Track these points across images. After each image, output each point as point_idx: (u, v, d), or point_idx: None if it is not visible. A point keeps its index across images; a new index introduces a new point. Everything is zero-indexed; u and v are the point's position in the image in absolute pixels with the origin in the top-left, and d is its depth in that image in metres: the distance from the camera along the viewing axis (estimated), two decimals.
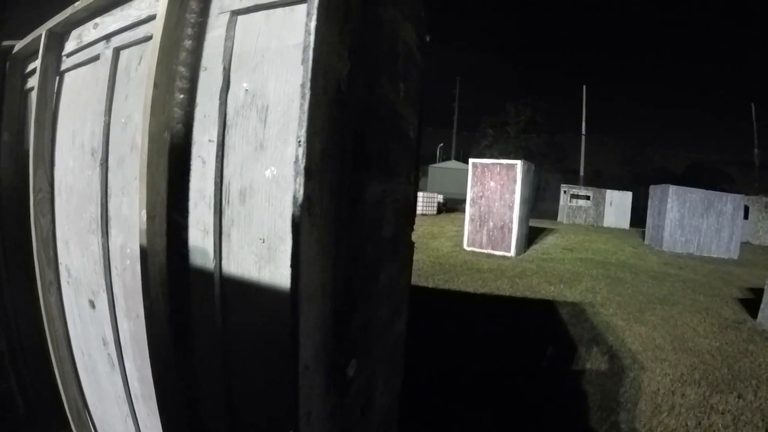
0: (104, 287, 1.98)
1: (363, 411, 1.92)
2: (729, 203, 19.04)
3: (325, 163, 1.35)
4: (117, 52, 1.93)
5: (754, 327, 8.05)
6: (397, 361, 2.42)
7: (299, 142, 1.26)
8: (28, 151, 2.31)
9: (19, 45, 2.54)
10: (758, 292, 9.31)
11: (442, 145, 65.94)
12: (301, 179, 1.25)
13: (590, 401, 4.74)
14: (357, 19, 1.48)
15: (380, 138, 1.81)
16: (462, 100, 59.59)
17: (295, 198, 1.26)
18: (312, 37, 1.28)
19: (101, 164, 1.92)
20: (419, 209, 29.84)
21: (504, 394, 4.77)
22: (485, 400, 4.64)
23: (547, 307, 8.33)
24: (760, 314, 8.36)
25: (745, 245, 22.13)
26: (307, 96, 1.26)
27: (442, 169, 50.09)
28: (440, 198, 33.29)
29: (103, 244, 1.95)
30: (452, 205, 32.22)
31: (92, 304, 2.09)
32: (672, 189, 19.23)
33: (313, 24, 1.29)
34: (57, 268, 2.33)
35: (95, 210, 1.97)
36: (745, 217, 21.68)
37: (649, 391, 5.05)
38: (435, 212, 30.69)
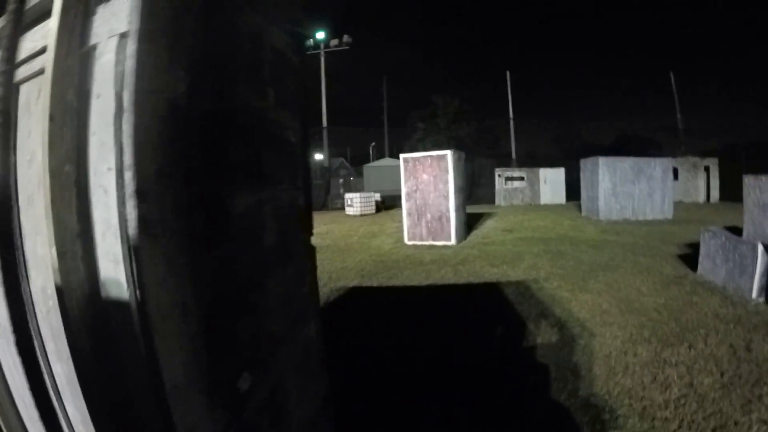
0: (33, 332, 1.92)
1: (272, 424, 1.87)
2: (658, 167, 19.83)
3: (162, 182, 1.32)
4: (17, 87, 1.85)
5: (695, 279, 8.33)
6: (312, 368, 2.35)
7: (126, 166, 1.23)
8: None
9: None
10: (695, 247, 9.65)
11: (374, 144, 66.33)
12: (133, 202, 1.23)
13: (544, 374, 4.76)
14: (196, 35, 1.46)
15: (245, 147, 1.79)
16: (390, 98, 60.05)
17: (130, 222, 1.24)
18: (132, 62, 1.25)
19: (11, 206, 1.84)
20: (358, 210, 29.93)
21: (457, 379, 4.74)
22: (439, 386, 4.61)
23: (492, 290, 8.36)
24: (699, 267, 8.67)
25: (678, 204, 23.11)
26: (131, 120, 1.24)
27: (376, 167, 50.31)
28: (377, 197, 33.43)
29: (24, 289, 1.88)
30: (390, 202, 32.47)
31: None
32: (602, 160, 19.87)
33: (133, 47, 1.26)
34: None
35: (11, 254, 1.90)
36: (675, 178, 22.57)
37: (602, 355, 5.12)
38: (374, 211, 30.84)
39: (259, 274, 1.84)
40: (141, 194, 1.23)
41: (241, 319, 1.66)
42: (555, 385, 4.55)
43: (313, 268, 2.58)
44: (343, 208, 32.97)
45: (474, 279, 9.32)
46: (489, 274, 9.68)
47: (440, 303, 7.76)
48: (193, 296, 1.42)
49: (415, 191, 15.02)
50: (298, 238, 2.30)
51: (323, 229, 21.97)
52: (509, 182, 33.15)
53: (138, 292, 1.25)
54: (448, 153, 14.48)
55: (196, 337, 1.42)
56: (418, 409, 4.22)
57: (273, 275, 1.96)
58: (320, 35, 44.44)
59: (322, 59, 44.14)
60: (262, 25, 1.95)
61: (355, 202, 30.80)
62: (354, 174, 61.56)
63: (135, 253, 1.23)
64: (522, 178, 33.19)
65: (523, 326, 6.21)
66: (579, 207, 23.66)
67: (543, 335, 5.84)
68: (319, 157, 52.11)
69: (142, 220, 1.23)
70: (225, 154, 1.63)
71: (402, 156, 15.44)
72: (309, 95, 2.54)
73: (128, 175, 1.22)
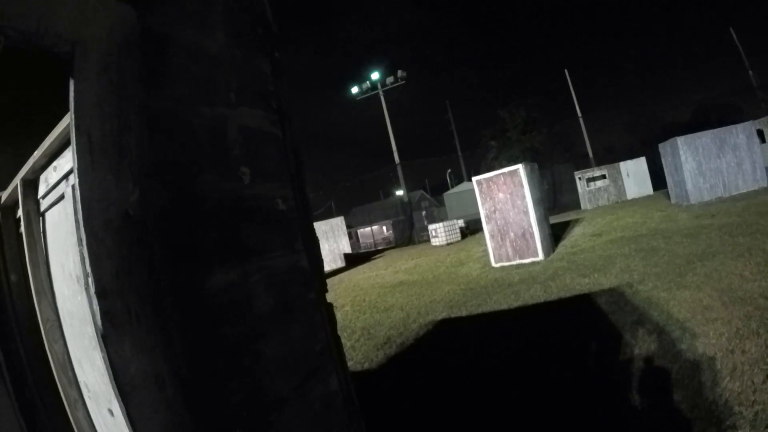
0: (115, 395, 2.05)
1: None
2: (741, 134, 18.56)
3: (122, 281, 1.45)
4: (74, 189, 2.00)
5: None
6: (336, 422, 2.37)
7: (88, 273, 1.40)
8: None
9: (3, 195, 2.66)
10: None
11: (450, 171, 66.19)
12: (95, 301, 1.39)
13: (642, 389, 4.49)
14: (141, 148, 1.57)
15: (217, 229, 1.86)
16: (458, 122, 60.07)
17: (95, 317, 1.40)
18: (80, 192, 1.42)
19: (86, 289, 2.00)
20: (444, 239, 29.88)
21: (555, 405, 4.55)
22: (533, 411, 4.50)
23: (584, 302, 8.04)
24: None
25: None
26: (85, 236, 1.40)
27: (456, 194, 50.13)
28: (461, 223, 33.32)
29: (104, 358, 2.02)
30: (475, 227, 32.07)
31: (111, 413, 2.16)
32: (680, 141, 18.81)
33: (78, 180, 1.42)
34: (78, 386, 2.40)
35: (91, 329, 2.04)
36: (763, 140, 21.19)
37: (706, 358, 4.74)
38: (459, 238, 30.73)
39: (250, 340, 1.90)
40: (101, 294, 1.39)
41: (230, 383, 1.75)
42: (654, 400, 4.28)
43: (331, 323, 2.59)
44: (429, 240, 32.93)
45: (565, 293, 9.01)
46: (580, 285, 9.33)
47: (531, 324, 7.54)
48: (168, 369, 1.53)
49: (494, 212, 14.84)
50: (304, 299, 2.31)
51: (411, 264, 21.99)
52: (591, 183, 32.06)
53: (109, 368, 1.42)
54: (520, 167, 14.21)
55: (174, 403, 1.53)
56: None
57: (269, 339, 2.00)
58: (375, 76, 45.08)
59: (382, 98, 44.64)
60: (224, 113, 1.99)
61: (440, 232, 30.75)
62: (435, 204, 61.60)
63: (102, 340, 1.40)
64: (603, 177, 32.02)
65: (619, 338, 5.88)
66: (668, 195, 22.53)
67: (640, 344, 5.50)
68: (399, 193, 52.47)
69: (104, 314, 1.39)
70: (193, 239, 1.72)
71: (474, 179, 15.31)
72: (301, 158, 2.52)
73: (90, 280, 1.39)
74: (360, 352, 8.50)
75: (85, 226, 1.41)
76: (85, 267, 1.42)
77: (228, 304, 1.82)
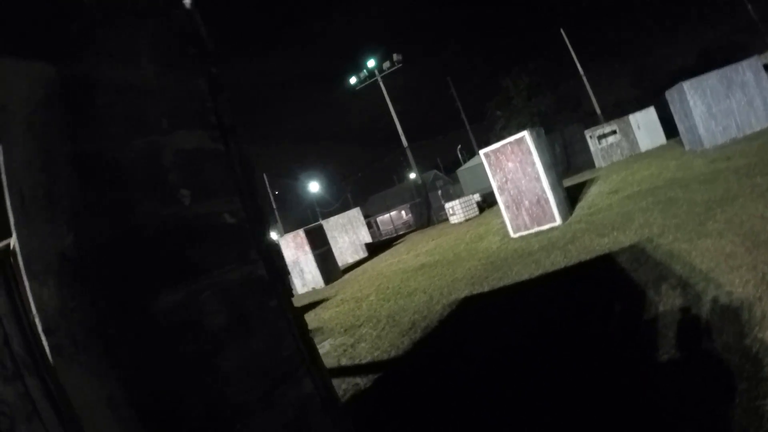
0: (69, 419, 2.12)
1: None
2: (747, 71, 17.77)
3: (66, 317, 1.54)
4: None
5: None
6: (314, 424, 2.35)
7: (35, 312, 1.49)
8: None
9: None
10: None
11: (460, 146, 65.87)
12: (43, 336, 1.48)
13: (668, 347, 4.35)
14: (74, 199, 1.67)
15: (159, 253, 1.90)
16: (463, 97, 59.65)
17: (46, 349, 1.49)
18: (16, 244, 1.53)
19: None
20: (462, 216, 29.78)
21: (582, 373, 4.45)
22: (561, 379, 4.43)
23: (604, 263, 7.90)
24: None
25: None
26: (29, 280, 1.51)
27: (469, 169, 49.93)
28: (477, 197, 33.14)
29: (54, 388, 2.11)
30: (492, 200, 31.95)
31: None
32: (686, 85, 18.19)
33: (16, 239, 1.52)
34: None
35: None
36: None
37: (733, 309, 4.55)
38: (477, 213, 30.61)
39: (205, 355, 1.94)
40: (47, 331, 1.48)
41: (188, 399, 1.81)
42: (681, 357, 4.16)
43: (301, 327, 2.55)
44: (448, 219, 32.79)
45: (585, 256, 8.85)
46: (600, 246, 9.15)
47: (553, 292, 7.44)
48: (121, 390, 1.62)
49: (506, 182, 14.64)
50: (265, 308, 2.31)
51: (431, 245, 21.94)
52: (602, 140, 31.46)
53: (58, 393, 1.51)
54: (525, 134, 13.98)
55: (129, 422, 1.61)
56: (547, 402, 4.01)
57: (227, 352, 2.03)
58: (371, 63, 44.67)
59: (381, 84, 44.27)
60: (157, 141, 2.02)
61: (457, 209, 30.61)
62: (450, 181, 61.40)
63: (53, 370, 1.49)
64: (614, 132, 31.33)
65: (642, 296, 5.74)
66: (681, 142, 21.99)
67: (665, 301, 5.35)
68: (412, 176, 52.34)
69: (52, 348, 1.49)
70: (134, 268, 1.80)
71: (481, 152, 15.12)
72: (250, 168, 2.54)
73: (36, 319, 1.49)
74: (386, 340, 8.50)
75: (26, 273, 1.49)
76: (31, 309, 1.50)
77: (178, 324, 1.88)
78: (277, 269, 2.46)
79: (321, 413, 2.39)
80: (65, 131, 1.68)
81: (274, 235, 45.04)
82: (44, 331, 1.47)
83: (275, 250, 2.59)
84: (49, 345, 1.48)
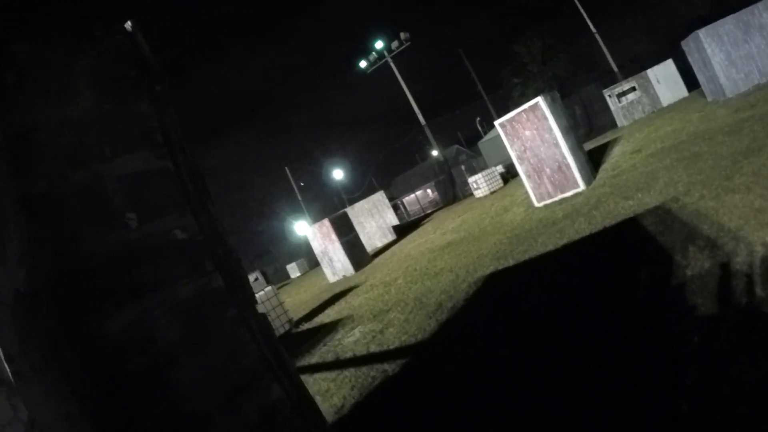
0: None
1: None
2: (763, 12, 16.80)
3: (25, 344, 1.62)
4: None
5: None
6: (281, 428, 2.37)
7: None
8: None
9: None
10: None
11: (479, 119, 65.22)
12: (4, 363, 1.50)
13: (698, 314, 4.18)
14: (20, 232, 1.76)
15: (107, 278, 1.95)
16: (476, 67, 58.94)
17: (6, 374, 1.51)
18: None
19: None
20: (486, 189, 29.60)
21: (610, 345, 4.32)
22: (597, 355, 4.30)
23: (630, 227, 7.69)
24: None
25: None
26: None
27: (490, 140, 49.33)
28: (500, 168, 32.87)
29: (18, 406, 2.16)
30: (516, 170, 31.71)
31: None
32: (701, 33, 17.45)
33: None
34: None
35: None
36: None
37: (764, 269, 4.34)
38: (501, 184, 30.43)
39: (159, 369, 1.99)
40: (8, 358, 1.53)
41: (143, 411, 1.88)
42: (712, 323, 3.97)
43: (266, 333, 2.54)
44: (473, 194, 32.59)
45: (609, 221, 8.63)
46: (624, 209, 8.91)
47: (578, 262, 7.30)
48: (78, 407, 1.71)
49: (524, 151, 14.39)
50: (222, 318, 2.32)
51: (457, 222, 21.88)
52: (622, 98, 30.62)
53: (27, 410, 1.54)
54: (539, 99, 13.66)
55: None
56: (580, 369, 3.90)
57: (182, 365, 2.06)
58: (379, 45, 44.25)
59: (393, 65, 43.89)
60: (99, 170, 2.05)
61: (481, 183, 30.42)
62: (473, 155, 60.97)
63: (16, 392, 1.52)
64: (633, 89, 30.46)
65: (669, 260, 5.53)
66: (703, 93, 21.39)
67: (693, 264, 5.13)
68: (434, 153, 52.11)
69: (14, 373, 1.52)
70: (83, 294, 1.86)
71: (497, 123, 14.89)
72: (201, 180, 2.50)
73: None
74: (414, 324, 8.46)
75: None
76: None
77: (130, 341, 1.93)
78: (237, 279, 2.47)
79: (292, 418, 2.41)
80: (9, 177, 1.77)
81: (303, 226, 45.22)
82: (6, 359, 1.53)
83: (234, 259, 2.55)
84: (11, 371, 1.54)
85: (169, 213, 2.24)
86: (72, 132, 2.00)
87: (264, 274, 49.25)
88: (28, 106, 1.90)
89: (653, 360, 3.88)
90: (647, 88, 30.10)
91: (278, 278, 57.50)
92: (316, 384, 7.78)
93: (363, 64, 46.11)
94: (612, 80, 37.99)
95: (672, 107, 26.39)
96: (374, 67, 45.57)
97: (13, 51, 1.91)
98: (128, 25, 2.34)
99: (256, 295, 14.70)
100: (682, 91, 29.48)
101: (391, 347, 7.79)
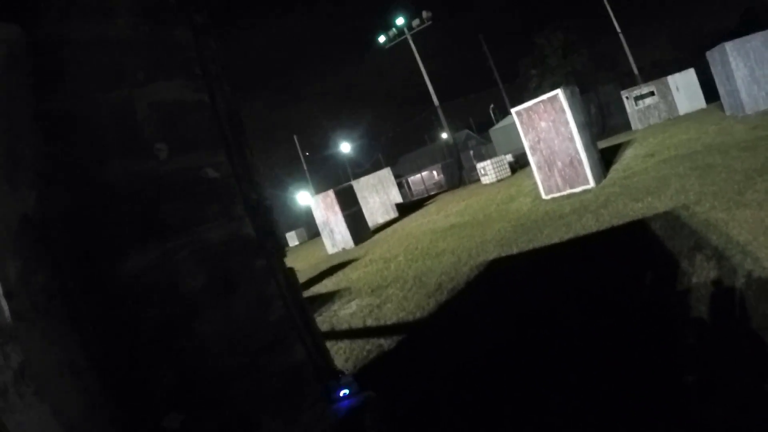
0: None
1: None
2: None
3: (26, 281, 1.53)
4: None
5: None
6: (307, 395, 2.27)
7: None
8: None
9: None
10: None
11: (492, 106, 64.83)
12: (3, 300, 1.45)
13: (700, 321, 4.23)
14: (38, 153, 1.64)
15: (130, 211, 1.84)
16: (494, 54, 58.45)
17: (3, 315, 1.46)
18: None
19: None
20: (493, 177, 29.52)
21: (610, 345, 4.35)
22: (595, 352, 4.35)
23: (637, 229, 7.69)
24: None
25: None
26: None
27: (501, 128, 49.05)
28: (509, 158, 32.74)
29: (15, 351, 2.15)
30: (525, 160, 31.52)
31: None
32: (728, 47, 17.09)
33: None
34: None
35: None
36: None
37: None
38: (509, 173, 30.26)
39: (180, 320, 1.87)
40: (8, 294, 1.46)
41: (158, 366, 1.77)
42: (712, 332, 4.04)
43: (292, 289, 2.44)
44: (479, 180, 32.50)
45: (617, 221, 8.64)
46: (633, 211, 8.92)
47: (583, 258, 7.32)
48: (84, 357, 1.61)
49: (538, 142, 14.36)
50: (250, 269, 2.19)
51: (461, 206, 21.84)
52: (639, 101, 30.34)
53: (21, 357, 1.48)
54: (559, 91, 13.60)
55: (92, 389, 1.61)
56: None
57: (205, 316, 1.95)
58: (400, 21, 43.78)
59: (411, 43, 43.48)
60: (131, 95, 1.92)
61: (489, 170, 30.31)
62: (483, 141, 60.71)
63: (13, 333, 1.46)
64: (652, 93, 30.11)
65: (676, 266, 5.55)
66: (722, 107, 21.15)
67: (698, 272, 5.16)
68: (444, 135, 51.88)
69: (13, 312, 1.46)
70: (100, 229, 1.75)
71: (513, 110, 14.83)
72: (238, 119, 2.41)
73: None
74: (412, 302, 8.49)
75: None
76: None
77: (149, 286, 1.82)
78: (268, 227, 2.39)
79: (314, 382, 2.32)
80: (29, 91, 1.64)
81: (305, 196, 45.18)
82: (5, 294, 1.45)
83: (267, 206, 2.50)
84: (10, 308, 1.46)
85: (200, 149, 2.14)
86: (105, 52, 1.88)
87: None
88: (59, 18, 1.77)
89: (649, 358, 3.93)
90: (666, 95, 29.85)
91: None
92: None
93: (382, 39, 45.67)
94: (631, 82, 37.68)
95: (689, 116, 26.21)
96: (393, 43, 45.13)
97: None
98: None
99: None
100: (700, 102, 29.19)
101: (388, 323, 7.83)
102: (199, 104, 2.19)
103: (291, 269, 2.52)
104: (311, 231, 48.25)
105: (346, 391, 2.47)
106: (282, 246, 2.51)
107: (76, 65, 1.77)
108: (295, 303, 2.41)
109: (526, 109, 14.40)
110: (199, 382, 1.86)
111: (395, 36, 44.58)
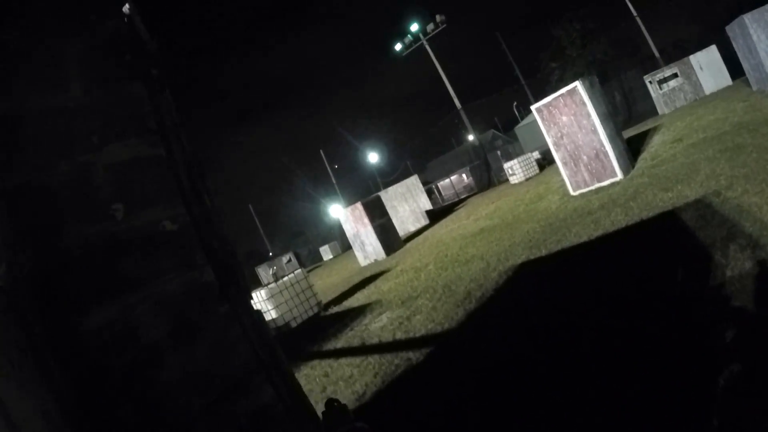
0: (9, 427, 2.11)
1: None
2: None
3: (3, 338, 1.71)
4: None
5: None
6: (276, 428, 2.28)
7: None
8: None
9: None
10: None
11: (516, 103, 64.41)
12: None
13: (737, 318, 4.00)
14: (2, 225, 1.69)
15: (88, 272, 1.87)
16: (513, 51, 58.17)
17: None
18: None
19: None
20: (522, 176, 29.28)
21: (640, 344, 4.18)
22: (627, 355, 4.15)
23: (667, 221, 7.42)
24: None
25: None
26: None
27: (527, 126, 48.53)
28: (537, 155, 32.45)
29: None
30: (552, 157, 31.28)
31: None
32: (747, 18, 16.43)
33: None
34: None
35: None
36: None
37: None
38: (537, 171, 30.04)
39: (141, 368, 1.91)
40: None
41: (121, 410, 1.80)
42: (751, 329, 3.79)
43: (260, 331, 2.45)
44: (508, 179, 32.27)
45: (647, 213, 8.36)
46: (663, 201, 8.62)
47: (612, 255, 7.09)
48: (55, 404, 1.70)
49: (561, 138, 14.08)
50: (213, 314, 2.21)
51: (491, 208, 21.72)
52: (663, 85, 29.68)
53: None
54: (577, 84, 13.30)
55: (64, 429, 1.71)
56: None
57: (165, 363, 1.98)
58: (414, 27, 43.83)
59: (428, 48, 43.45)
60: (86, 160, 1.97)
61: (516, 169, 30.08)
62: (509, 140, 60.36)
63: None
64: (675, 75, 29.33)
65: (708, 259, 5.29)
66: (748, 82, 20.68)
67: (733, 264, 4.88)
68: (470, 138, 51.69)
69: None
70: (62, 289, 1.78)
71: (533, 108, 14.61)
72: (197, 169, 2.41)
73: None
74: (441, 312, 8.41)
75: None
76: None
77: (111, 340, 1.87)
78: (231, 272, 2.38)
79: (285, 423, 2.31)
80: None
81: (336, 209, 45.37)
82: None
83: (229, 252, 2.46)
84: None
85: (158, 203, 2.16)
86: (60, 121, 1.92)
87: (297, 256, 49.53)
88: (16, 95, 1.84)
89: (686, 359, 3.74)
90: (689, 75, 29.16)
91: (312, 260, 58.01)
92: (340, 369, 7.80)
93: (398, 47, 45.84)
94: (653, 66, 36.96)
95: (715, 95, 25.58)
96: (410, 50, 45.26)
97: (2, 39, 1.84)
98: (126, 7, 2.28)
99: (287, 278, 14.75)
100: (725, 79, 28.42)
101: (417, 335, 7.74)
102: (154, 159, 2.21)
103: (258, 311, 2.54)
104: (344, 244, 48.46)
105: None
106: (247, 289, 2.52)
107: (33, 138, 1.83)
108: (263, 344, 2.41)
109: (546, 105, 14.14)
110: (163, 426, 1.91)
111: (411, 42, 44.78)
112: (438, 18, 43.06)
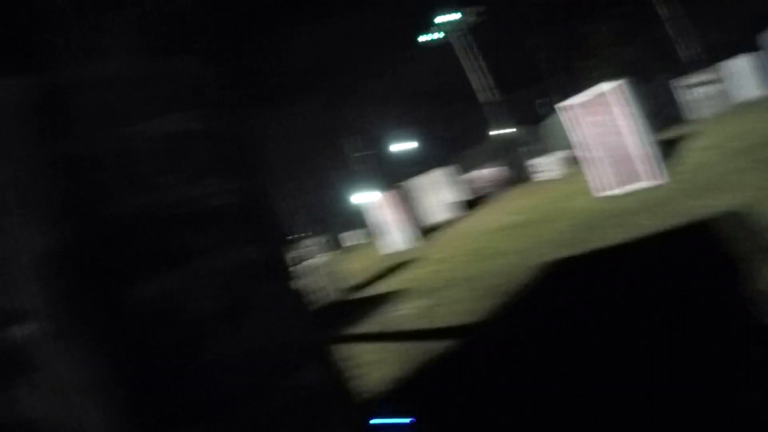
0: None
1: None
2: None
3: (52, 306, 1.67)
4: None
5: None
6: (318, 416, 2.23)
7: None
8: None
9: None
10: None
11: (545, 100, 63.95)
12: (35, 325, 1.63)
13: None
14: (49, 194, 1.76)
15: (135, 244, 1.92)
16: (543, 49, 57.83)
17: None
18: None
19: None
20: (550, 174, 29.40)
21: (665, 356, 4.24)
22: (652, 366, 4.22)
23: (698, 230, 7.40)
24: None
25: None
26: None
27: (555, 123, 48.28)
28: (565, 153, 32.40)
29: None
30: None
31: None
32: None
33: None
34: None
35: None
36: None
37: None
38: (565, 169, 30.01)
39: (189, 344, 1.96)
40: (37, 319, 1.62)
41: (173, 382, 1.87)
42: None
43: (305, 314, 2.49)
44: (536, 176, 32.27)
45: (675, 221, 8.32)
46: (692, 209, 8.57)
47: (639, 261, 7.15)
48: (106, 372, 1.71)
49: (588, 138, 14.02)
50: (260, 294, 2.21)
51: (516, 205, 21.70)
52: (694, 90, 29.34)
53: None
54: (607, 85, 13.36)
55: (119, 401, 1.73)
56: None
57: (215, 340, 2.02)
58: (447, 19, 43.69)
59: (460, 41, 43.30)
60: (137, 130, 2.00)
61: (543, 167, 30.21)
62: (537, 137, 60.03)
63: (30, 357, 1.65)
64: (706, 82, 29.02)
65: (739, 271, 5.28)
66: None
67: (765, 278, 4.86)
68: (498, 132, 51.53)
69: (42, 335, 1.63)
70: (108, 260, 1.84)
71: (559, 107, 14.60)
72: (248, 145, 2.40)
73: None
74: (463, 305, 8.50)
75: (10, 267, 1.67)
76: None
77: (158, 312, 1.91)
78: (278, 251, 2.40)
79: (326, 408, 2.32)
80: (40, 140, 1.75)
81: (362, 197, 45.39)
82: (36, 319, 1.62)
83: (277, 231, 2.51)
84: (40, 332, 1.63)
85: (208, 177, 2.16)
86: (110, 91, 1.95)
87: (319, 240, 49.72)
88: (65, 65, 1.85)
89: (714, 374, 3.83)
90: (720, 82, 28.81)
91: (335, 247, 58.14)
92: (360, 355, 7.93)
93: (431, 37, 45.71)
94: (683, 71, 36.62)
95: (745, 105, 25.21)
96: (442, 41, 45.12)
97: (47, 8, 1.87)
98: None
99: (311, 262, 14.94)
100: (756, 88, 27.97)
101: (438, 326, 7.87)
102: (205, 133, 2.25)
103: (302, 293, 2.58)
104: (367, 232, 48.40)
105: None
106: (290, 270, 2.57)
107: (82, 108, 1.87)
108: (306, 325, 2.44)
109: (574, 105, 14.12)
110: (210, 404, 1.95)
111: (445, 34, 44.58)
112: (471, 11, 42.90)
